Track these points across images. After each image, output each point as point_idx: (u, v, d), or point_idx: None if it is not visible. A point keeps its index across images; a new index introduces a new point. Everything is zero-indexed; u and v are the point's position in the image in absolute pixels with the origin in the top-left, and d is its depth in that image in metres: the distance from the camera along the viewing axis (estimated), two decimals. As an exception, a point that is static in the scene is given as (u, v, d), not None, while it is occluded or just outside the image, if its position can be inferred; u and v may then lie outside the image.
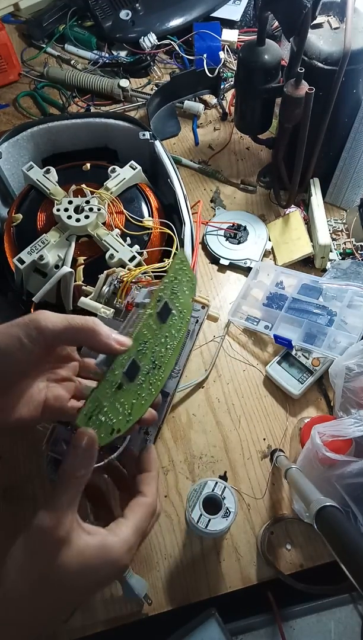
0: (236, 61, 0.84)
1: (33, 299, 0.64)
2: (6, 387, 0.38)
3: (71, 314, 0.63)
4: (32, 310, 0.64)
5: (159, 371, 0.43)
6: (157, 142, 0.75)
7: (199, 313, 0.54)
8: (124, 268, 0.62)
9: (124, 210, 0.70)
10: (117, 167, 0.72)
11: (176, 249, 0.67)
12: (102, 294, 0.55)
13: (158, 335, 0.44)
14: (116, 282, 0.55)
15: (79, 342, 0.41)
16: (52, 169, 0.72)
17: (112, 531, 0.36)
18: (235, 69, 0.95)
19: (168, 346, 0.44)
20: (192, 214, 0.71)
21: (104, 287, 0.56)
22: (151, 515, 0.39)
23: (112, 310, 0.53)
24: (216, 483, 0.56)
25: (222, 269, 0.80)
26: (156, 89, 0.96)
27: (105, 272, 0.59)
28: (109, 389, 0.40)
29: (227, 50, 0.99)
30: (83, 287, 0.62)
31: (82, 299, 0.55)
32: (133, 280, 0.55)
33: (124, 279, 0.55)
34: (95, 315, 0.51)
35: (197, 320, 0.53)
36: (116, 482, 0.45)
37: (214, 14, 1.04)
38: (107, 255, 0.65)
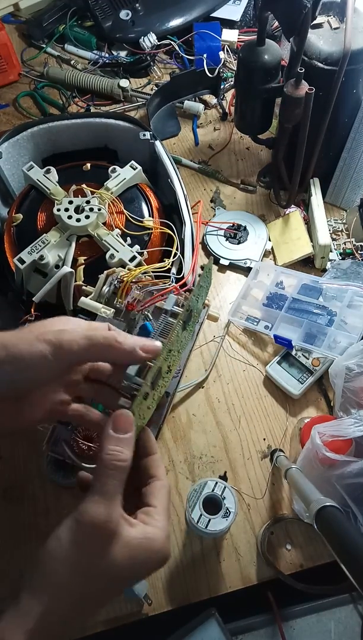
0: (236, 61, 0.84)
1: (33, 299, 0.64)
2: (22, 396, 0.39)
3: (71, 314, 0.64)
4: (32, 310, 0.64)
5: (169, 375, 0.43)
6: (157, 142, 0.75)
7: (200, 313, 0.54)
8: (124, 268, 0.62)
9: (125, 210, 0.70)
10: (117, 167, 0.72)
11: (177, 249, 0.67)
12: (102, 293, 0.55)
13: (179, 341, 0.44)
14: (116, 282, 0.55)
15: (103, 360, 0.41)
16: (53, 169, 0.72)
17: (150, 521, 0.35)
18: (235, 69, 0.95)
19: (179, 350, 0.44)
20: (192, 214, 0.71)
21: (104, 287, 0.56)
22: (169, 497, 0.38)
23: (112, 310, 0.53)
24: (216, 483, 0.56)
25: (222, 269, 0.80)
26: (156, 89, 0.96)
27: (105, 272, 0.59)
28: (140, 400, 0.39)
29: (227, 50, 0.98)
30: (83, 287, 0.62)
31: (83, 299, 0.55)
32: (133, 280, 0.55)
33: (125, 279, 0.55)
34: (95, 315, 0.51)
35: (197, 320, 0.53)
36: None
37: (214, 14, 1.04)
38: (107, 255, 0.65)
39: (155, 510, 0.36)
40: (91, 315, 0.51)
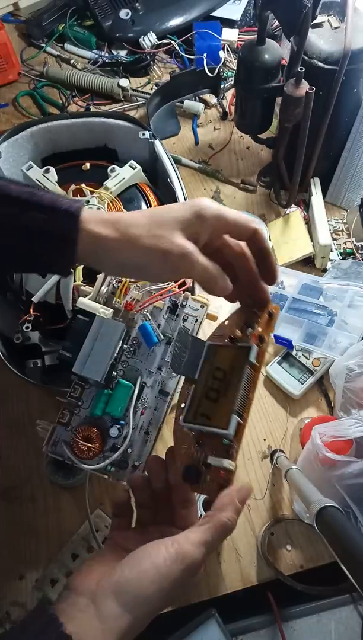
0: (236, 60, 0.84)
1: (32, 299, 0.63)
2: None
3: (71, 314, 0.63)
4: (31, 310, 0.64)
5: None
6: (157, 142, 0.75)
7: (199, 312, 0.53)
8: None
9: (124, 210, 0.70)
10: (116, 167, 0.72)
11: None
12: (101, 293, 0.55)
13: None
14: (114, 282, 0.55)
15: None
16: (52, 169, 0.72)
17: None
18: (235, 68, 0.94)
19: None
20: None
21: (102, 287, 0.55)
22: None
23: (111, 310, 0.53)
24: (216, 483, 0.56)
25: (222, 268, 0.80)
26: (156, 88, 0.96)
27: (104, 271, 0.58)
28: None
29: (227, 50, 0.98)
30: (82, 287, 0.62)
31: (81, 299, 0.55)
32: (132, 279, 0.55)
33: (123, 278, 0.54)
34: (93, 315, 0.51)
35: (196, 320, 0.53)
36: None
37: (214, 13, 1.04)
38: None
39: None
40: (89, 316, 0.51)
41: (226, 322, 0.44)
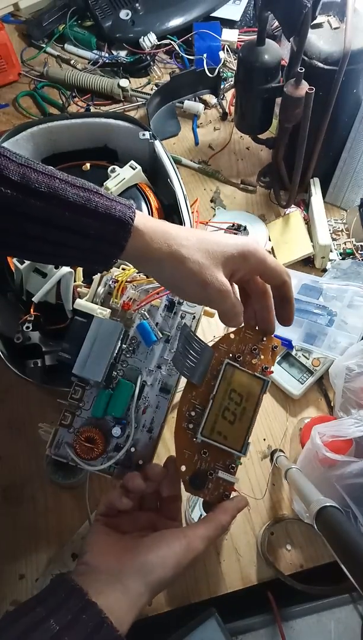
0: (236, 61, 0.84)
1: (33, 299, 0.64)
2: None
3: (71, 314, 0.63)
4: (32, 310, 0.64)
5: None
6: (157, 142, 0.75)
7: (196, 309, 0.54)
8: (119, 268, 0.61)
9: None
10: (117, 167, 0.72)
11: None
12: (97, 294, 0.55)
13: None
14: (111, 282, 0.55)
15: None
16: (52, 169, 0.72)
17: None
18: (235, 68, 0.95)
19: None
20: (192, 212, 0.71)
21: (99, 288, 0.55)
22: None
23: (108, 310, 0.53)
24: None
25: (222, 269, 0.80)
26: (156, 88, 0.96)
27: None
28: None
29: (227, 50, 0.98)
30: (79, 289, 0.62)
31: (78, 300, 0.54)
32: (128, 279, 0.55)
33: (119, 278, 0.54)
34: (91, 316, 0.51)
35: (194, 317, 0.53)
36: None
37: (214, 14, 1.04)
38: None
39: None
40: (87, 317, 0.51)
41: (232, 336, 0.47)
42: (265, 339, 0.48)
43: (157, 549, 0.40)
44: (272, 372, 0.47)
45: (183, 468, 0.45)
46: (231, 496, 0.46)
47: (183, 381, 0.48)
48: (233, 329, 0.47)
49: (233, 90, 0.97)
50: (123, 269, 0.56)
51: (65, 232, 0.39)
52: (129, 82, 0.98)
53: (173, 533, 0.41)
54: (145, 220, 0.41)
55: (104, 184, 0.71)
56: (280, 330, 0.69)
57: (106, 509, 0.45)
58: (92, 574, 0.39)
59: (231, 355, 0.47)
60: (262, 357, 0.47)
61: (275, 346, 0.48)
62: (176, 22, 1.02)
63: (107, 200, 0.40)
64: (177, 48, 1.01)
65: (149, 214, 0.71)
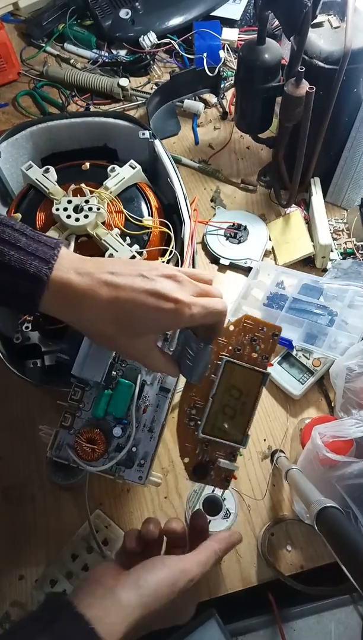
0: (236, 60, 0.84)
1: (32, 299, 0.63)
2: None
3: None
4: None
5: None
6: (157, 141, 0.74)
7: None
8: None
9: (124, 210, 0.69)
10: (116, 167, 0.72)
11: (173, 248, 0.67)
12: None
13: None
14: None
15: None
16: (52, 169, 0.72)
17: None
18: (235, 68, 0.94)
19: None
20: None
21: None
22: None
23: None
24: (217, 484, 0.56)
25: (222, 268, 0.80)
26: (156, 88, 0.96)
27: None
28: None
29: (227, 49, 0.98)
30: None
31: None
32: None
33: None
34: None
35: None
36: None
37: (214, 13, 1.04)
38: (106, 254, 0.65)
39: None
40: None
41: (232, 328, 0.48)
42: (264, 328, 0.48)
43: (153, 567, 0.42)
44: (272, 364, 0.48)
45: (186, 460, 0.48)
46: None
47: (183, 380, 0.48)
48: (233, 320, 0.48)
49: (233, 89, 0.97)
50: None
51: None
52: (129, 81, 0.98)
53: (170, 557, 0.44)
54: (68, 275, 0.40)
55: (104, 183, 0.70)
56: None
57: (121, 553, 0.48)
58: (87, 587, 0.41)
59: (230, 348, 0.47)
60: (262, 346, 0.48)
61: (275, 334, 0.48)
62: (176, 21, 1.02)
63: (24, 253, 0.39)
64: (177, 47, 1.01)
65: (149, 213, 0.71)
